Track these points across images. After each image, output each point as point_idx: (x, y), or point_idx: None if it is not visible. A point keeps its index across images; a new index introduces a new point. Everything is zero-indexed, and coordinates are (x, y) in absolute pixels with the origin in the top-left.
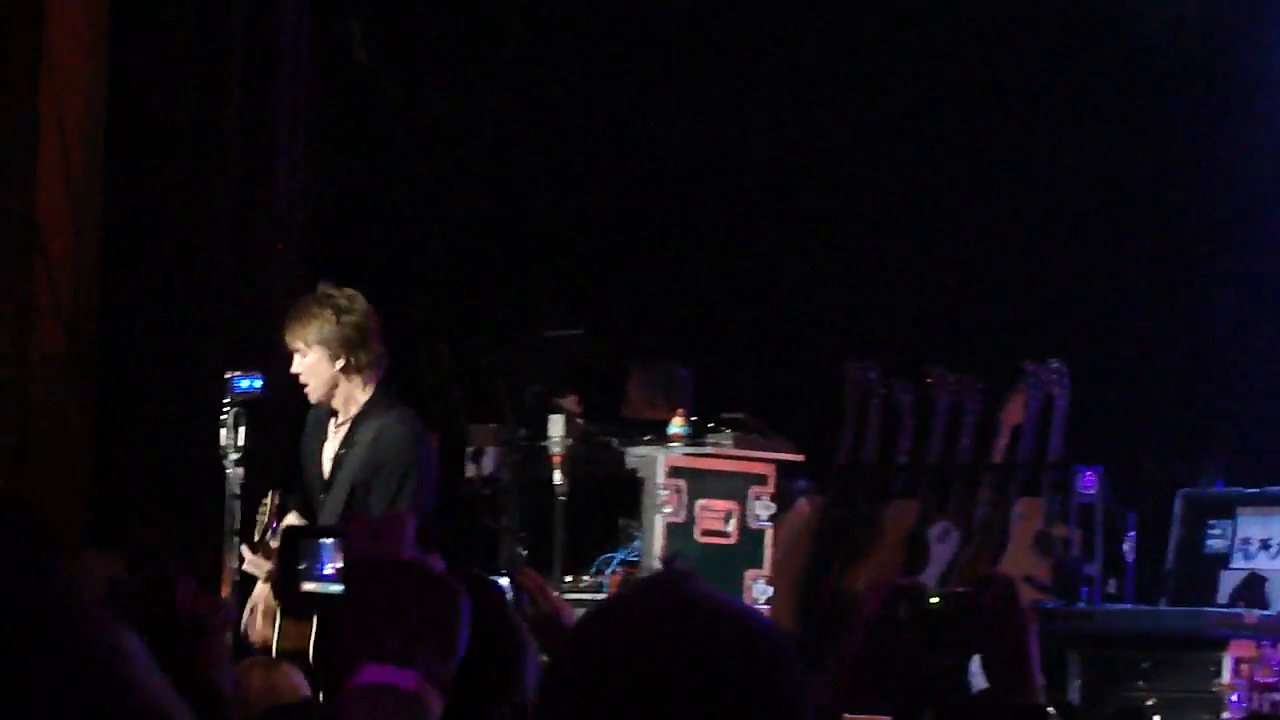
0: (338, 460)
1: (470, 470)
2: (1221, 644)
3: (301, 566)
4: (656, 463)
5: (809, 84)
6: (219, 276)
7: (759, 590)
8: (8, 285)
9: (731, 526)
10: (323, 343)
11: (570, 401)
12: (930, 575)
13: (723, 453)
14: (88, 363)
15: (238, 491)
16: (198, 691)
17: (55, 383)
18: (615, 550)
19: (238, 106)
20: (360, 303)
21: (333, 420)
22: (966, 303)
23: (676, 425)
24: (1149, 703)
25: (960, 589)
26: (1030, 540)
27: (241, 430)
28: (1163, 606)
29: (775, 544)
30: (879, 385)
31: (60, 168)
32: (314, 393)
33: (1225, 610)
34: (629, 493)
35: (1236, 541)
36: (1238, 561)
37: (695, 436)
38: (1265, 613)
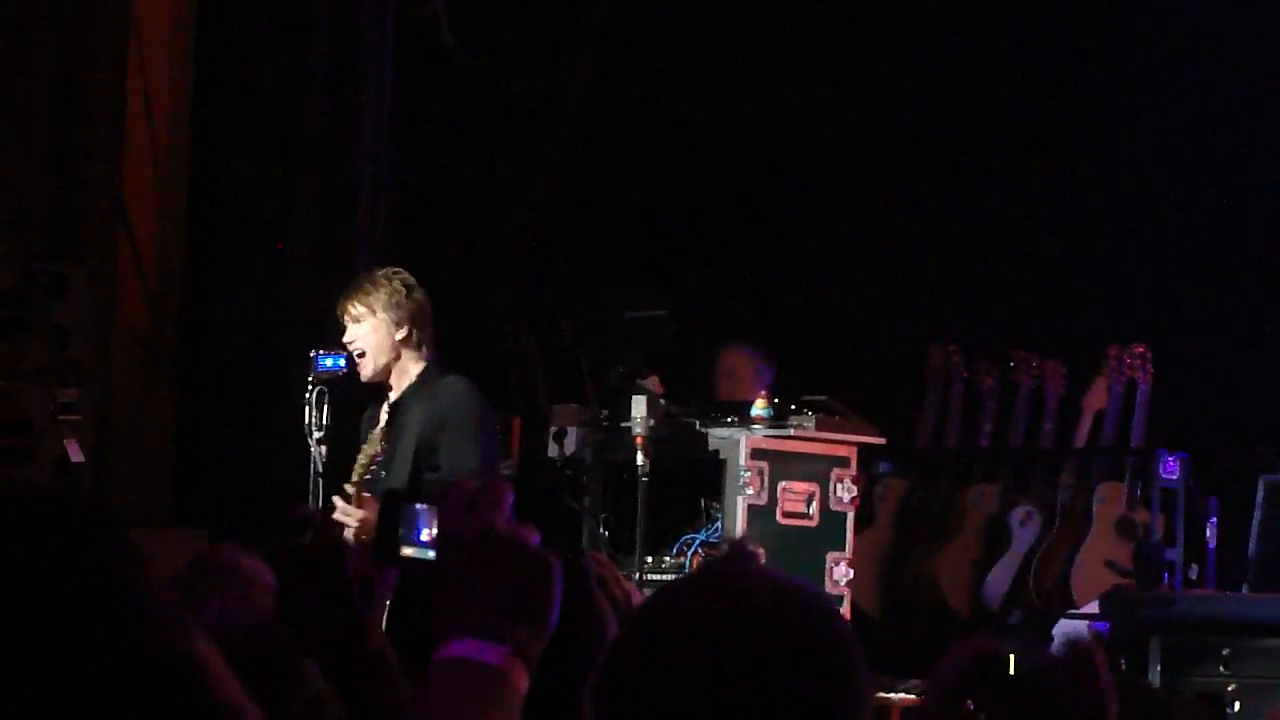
0: (391, 434)
1: (552, 451)
2: None
3: (401, 531)
4: (739, 444)
5: (896, 68)
6: (302, 256)
7: (840, 573)
8: (94, 264)
9: (813, 509)
10: (388, 309)
11: (652, 382)
12: (1011, 560)
13: (805, 435)
14: (171, 341)
15: (320, 470)
16: (368, 657)
17: (139, 361)
18: (696, 531)
19: (322, 88)
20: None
21: (385, 403)
22: (1051, 286)
23: (759, 407)
24: (1229, 689)
25: (1041, 658)
26: (1112, 525)
27: (325, 409)
28: (1244, 592)
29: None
30: (962, 368)
31: (147, 149)
32: (369, 363)
33: None
34: (711, 474)
35: None
36: None
37: (777, 418)
38: None
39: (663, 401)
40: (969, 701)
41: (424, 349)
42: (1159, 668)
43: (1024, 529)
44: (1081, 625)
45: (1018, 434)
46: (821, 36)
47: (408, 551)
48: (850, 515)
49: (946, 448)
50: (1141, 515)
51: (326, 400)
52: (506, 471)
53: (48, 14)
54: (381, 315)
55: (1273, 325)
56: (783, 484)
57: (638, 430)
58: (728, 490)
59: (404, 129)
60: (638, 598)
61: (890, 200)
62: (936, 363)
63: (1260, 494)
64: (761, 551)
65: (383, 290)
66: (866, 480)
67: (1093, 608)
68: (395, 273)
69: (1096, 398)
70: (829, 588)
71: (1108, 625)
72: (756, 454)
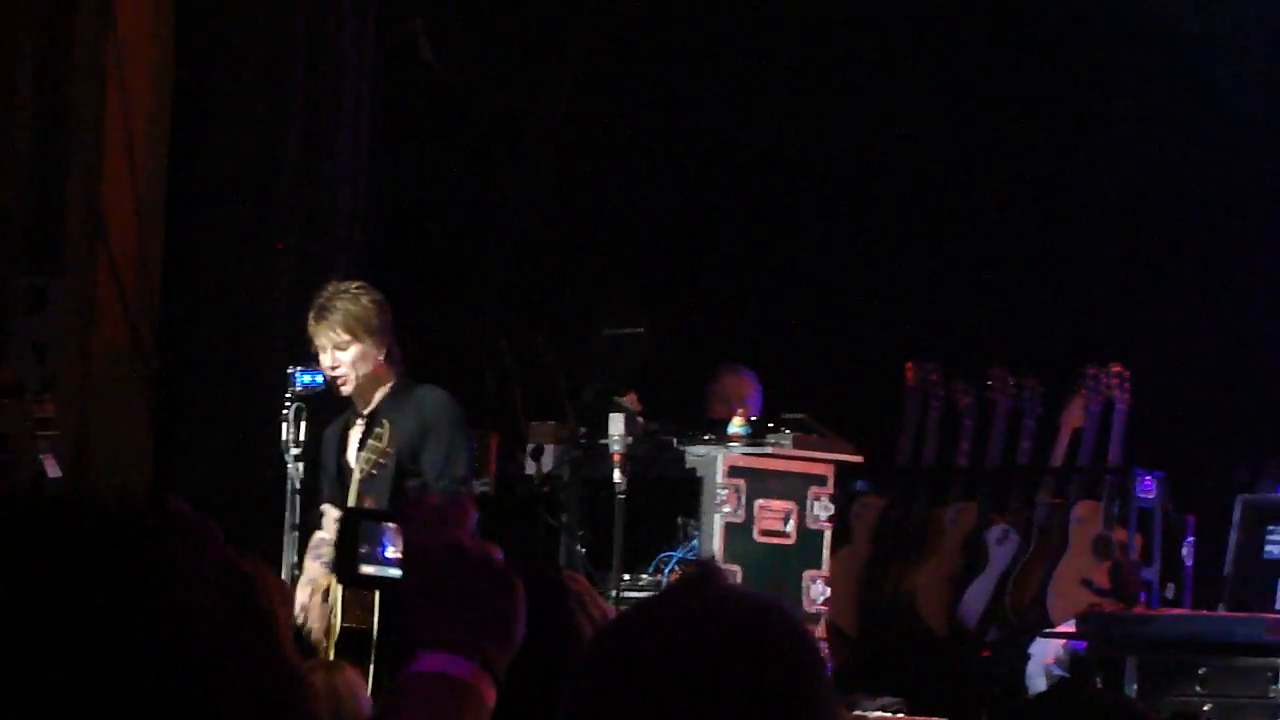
0: (375, 450)
1: (530, 468)
2: (1279, 650)
3: (365, 550)
4: (716, 462)
5: (876, 87)
6: (281, 272)
7: (817, 591)
8: (72, 279)
9: (790, 527)
10: (371, 333)
11: (630, 400)
12: (988, 579)
13: (782, 453)
14: (149, 356)
15: (298, 486)
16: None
17: (117, 376)
18: (674, 549)
19: (301, 104)
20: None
21: (355, 414)
22: (1029, 305)
23: (736, 425)
24: (1205, 708)
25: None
26: (1089, 544)
27: (303, 425)
28: (1221, 612)
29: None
30: (940, 387)
31: (125, 164)
32: (351, 384)
33: None
34: (688, 492)
35: None
36: None
37: (755, 436)
38: None
39: (640, 419)
40: None
41: (398, 360)
42: (1135, 687)
43: (1001, 547)
44: (1058, 644)
45: (995, 453)
46: (803, 55)
47: (368, 570)
48: (827, 533)
49: (924, 466)
50: (1118, 534)
51: (304, 416)
52: (484, 488)
53: (27, 30)
54: (366, 339)
55: (1249, 345)
56: (760, 502)
57: (615, 448)
58: (705, 508)
59: (384, 146)
60: (613, 615)
61: (868, 218)
62: (914, 381)
63: (1237, 513)
64: (736, 570)
65: (362, 312)
66: (844, 498)
67: (1069, 626)
68: (361, 289)
69: (1074, 417)
70: (806, 606)
71: (1084, 644)
72: (734, 472)
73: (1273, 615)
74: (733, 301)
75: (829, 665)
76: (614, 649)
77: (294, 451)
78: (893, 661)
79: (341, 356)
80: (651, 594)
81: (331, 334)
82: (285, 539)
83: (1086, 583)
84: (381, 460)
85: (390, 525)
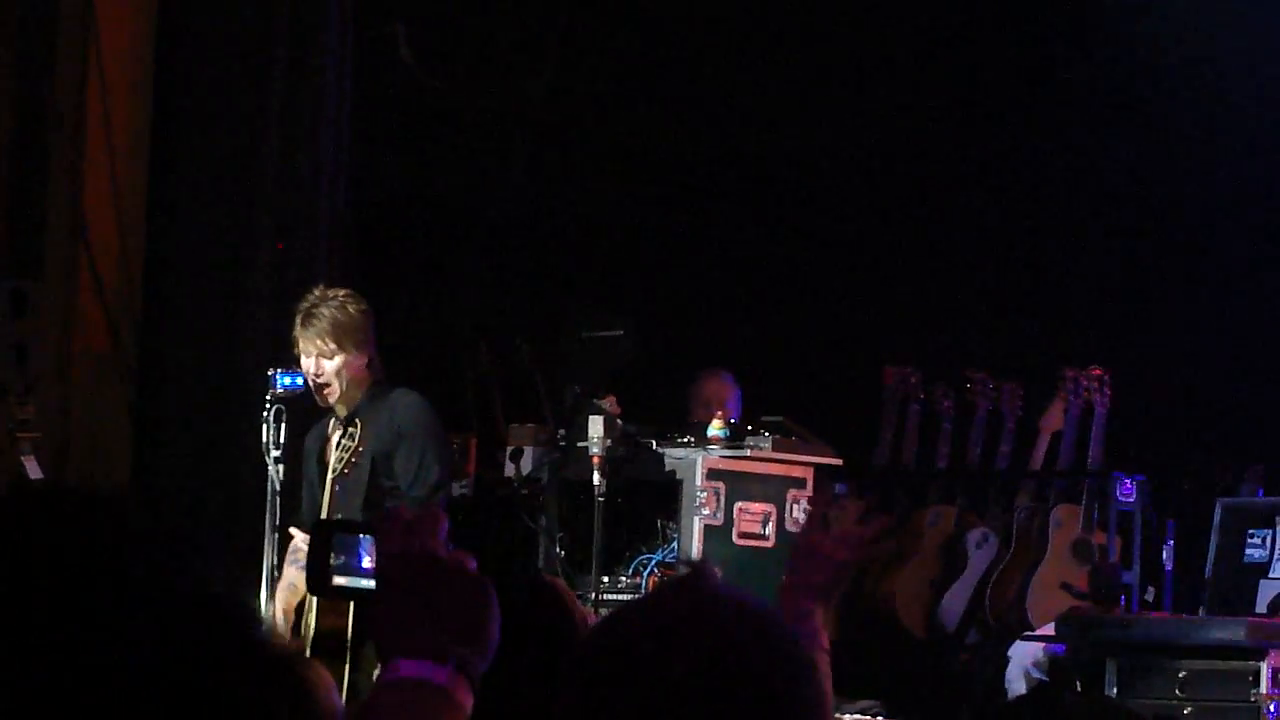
0: (347, 449)
1: (509, 470)
2: (1260, 654)
3: (339, 561)
4: (695, 465)
5: (852, 90)
6: (261, 275)
7: None
8: (53, 281)
9: (769, 530)
10: (356, 344)
11: (609, 402)
12: (967, 582)
13: (761, 455)
14: (130, 359)
15: (278, 488)
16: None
17: (97, 378)
18: (653, 552)
19: (281, 106)
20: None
21: (332, 419)
22: (1008, 309)
23: (715, 428)
24: (1186, 712)
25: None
26: (1068, 547)
27: (283, 427)
28: (1201, 616)
29: None
30: (918, 390)
31: (106, 166)
32: (336, 394)
33: (1264, 620)
34: (667, 494)
35: (1276, 551)
36: (1277, 571)
37: (734, 439)
38: None
39: (619, 422)
40: None
41: (375, 366)
42: (1115, 690)
43: (980, 550)
44: (1037, 647)
45: (974, 456)
46: (782, 59)
47: (340, 581)
48: None
49: (903, 469)
50: (1098, 537)
51: (284, 419)
52: (463, 490)
53: (7, 33)
54: (351, 349)
55: (1231, 348)
56: (739, 504)
57: (594, 450)
58: (684, 510)
59: (363, 148)
60: (592, 620)
61: (847, 222)
62: (893, 384)
63: (1217, 517)
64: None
65: (348, 321)
66: (823, 501)
67: (1049, 630)
68: (348, 297)
69: (1053, 420)
70: None
71: (1064, 647)
72: (713, 474)
73: (1253, 618)
74: (712, 305)
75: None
76: (605, 650)
77: (274, 453)
78: (872, 664)
79: (326, 365)
80: (640, 595)
81: (318, 342)
82: (265, 541)
83: (1066, 586)
84: (354, 459)
85: (366, 537)
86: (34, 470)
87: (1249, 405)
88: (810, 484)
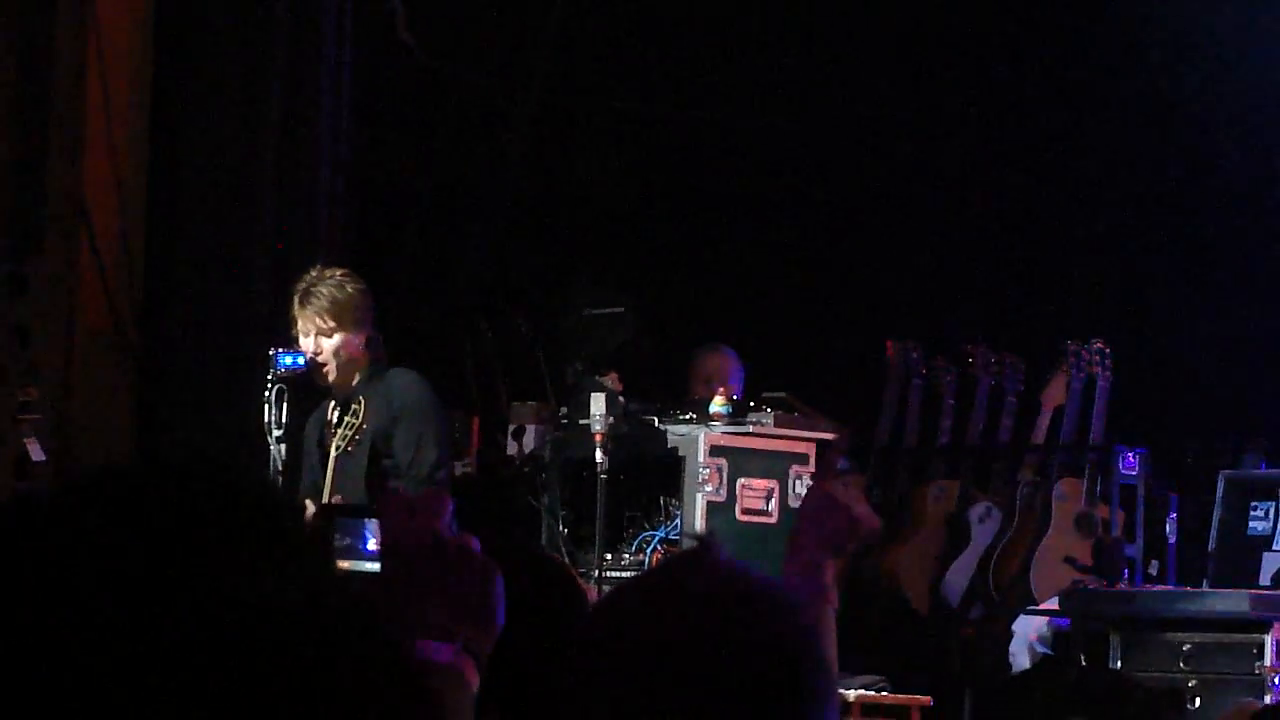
0: (351, 426)
1: (511, 448)
2: (1264, 626)
3: (344, 544)
4: (697, 441)
5: (852, 65)
6: (262, 254)
7: None
8: (54, 262)
9: (772, 506)
10: (356, 323)
11: (611, 379)
12: (970, 557)
13: (763, 432)
14: (132, 340)
15: (280, 468)
16: None
17: (99, 359)
18: (656, 529)
19: (281, 85)
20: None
21: (331, 401)
22: (1009, 282)
23: (717, 404)
24: (1190, 684)
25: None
26: (1072, 521)
27: (285, 407)
28: (1205, 588)
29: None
30: (920, 365)
31: (105, 147)
32: (334, 372)
33: (1268, 592)
34: (670, 471)
35: (1279, 523)
36: None
37: (736, 415)
38: None
39: (621, 399)
40: None
41: (374, 345)
42: (1119, 664)
43: (983, 525)
44: (1041, 621)
45: (976, 430)
46: (781, 32)
47: (344, 565)
48: None
49: (905, 444)
50: (1101, 511)
51: (286, 398)
52: (465, 469)
53: (6, 13)
54: (350, 327)
55: (1232, 320)
56: (742, 481)
57: (597, 427)
58: (687, 487)
59: (363, 127)
60: (593, 598)
61: (849, 196)
62: (895, 359)
63: (1220, 489)
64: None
65: (346, 300)
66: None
67: (1053, 604)
68: (346, 276)
69: (1055, 393)
70: None
71: (1068, 621)
72: (715, 451)
73: (1256, 591)
74: (713, 280)
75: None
76: (610, 625)
77: (276, 433)
78: (875, 639)
79: (325, 344)
80: (647, 570)
81: (317, 320)
82: None
83: (1069, 560)
84: (357, 437)
85: (371, 520)
86: (36, 453)
87: (1251, 377)
88: (812, 460)
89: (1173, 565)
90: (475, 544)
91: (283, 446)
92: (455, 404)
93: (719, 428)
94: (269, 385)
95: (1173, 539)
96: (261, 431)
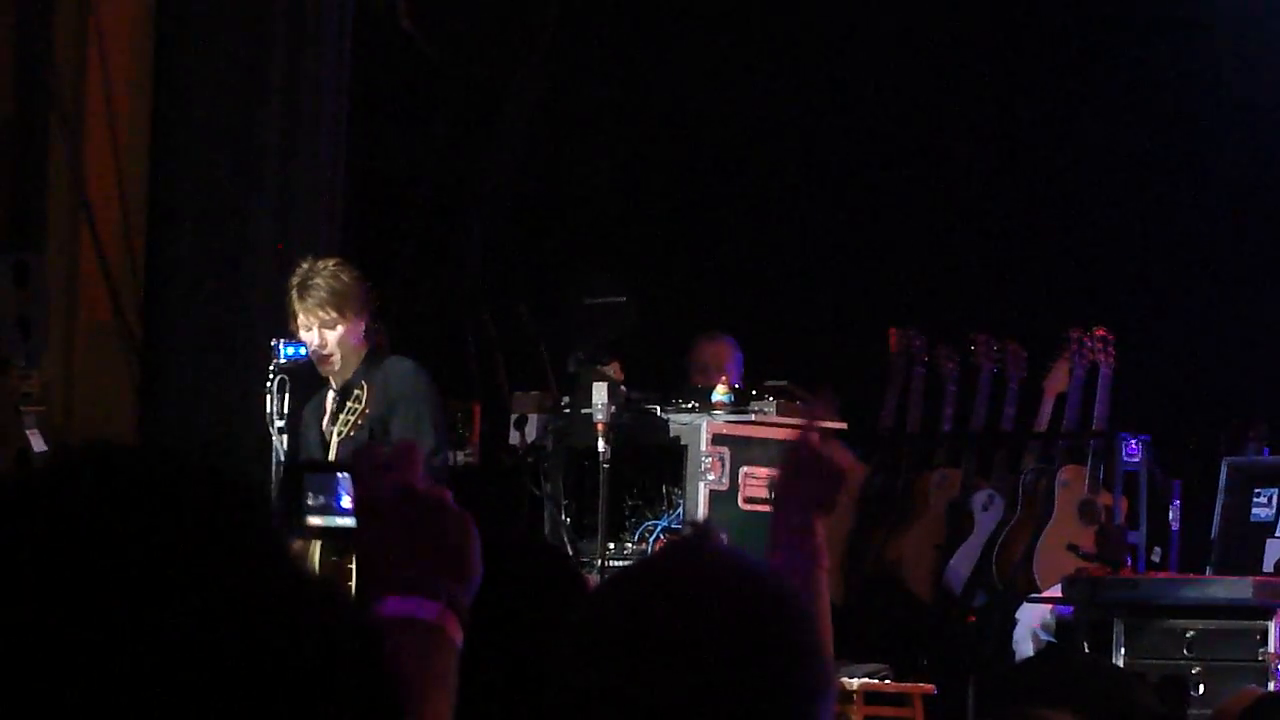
0: (354, 411)
1: (514, 438)
2: (1267, 613)
3: (319, 501)
4: (700, 430)
5: (851, 51)
6: (264, 245)
7: None
8: (56, 253)
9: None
10: (356, 313)
11: (613, 369)
12: (973, 544)
13: (766, 420)
14: (133, 330)
15: (282, 458)
16: None
17: (101, 350)
18: (658, 518)
19: (281, 75)
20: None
21: (330, 391)
22: (1012, 269)
23: (720, 393)
24: (1194, 671)
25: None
26: (1074, 508)
27: (286, 397)
28: (1208, 575)
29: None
30: (923, 352)
31: (107, 137)
32: (338, 362)
33: (1271, 579)
34: (672, 460)
35: None
36: None
37: (738, 404)
38: None
39: (624, 388)
40: None
41: (371, 334)
42: (1122, 651)
43: (986, 513)
44: (1044, 609)
45: (979, 418)
46: (780, 21)
47: (315, 521)
48: None
49: (908, 432)
50: (1104, 498)
51: (288, 389)
52: (468, 459)
53: (6, 7)
54: (351, 316)
55: (1234, 307)
56: (744, 469)
57: (599, 417)
58: (689, 476)
59: (364, 117)
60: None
61: (850, 183)
62: (897, 347)
63: (1223, 476)
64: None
65: (344, 289)
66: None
67: (1056, 591)
68: (339, 265)
69: (1058, 381)
70: None
71: (1071, 609)
72: (718, 439)
73: (1260, 578)
74: (715, 269)
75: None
76: (607, 614)
77: (278, 423)
78: (878, 628)
79: (329, 335)
80: (642, 558)
81: (320, 312)
82: None
83: (1072, 547)
84: (359, 422)
85: (343, 475)
86: (38, 444)
87: (1254, 364)
88: None
89: (1176, 552)
90: (449, 496)
91: (285, 437)
92: (457, 394)
93: (721, 416)
94: (270, 376)
95: (1176, 526)
96: (263, 422)
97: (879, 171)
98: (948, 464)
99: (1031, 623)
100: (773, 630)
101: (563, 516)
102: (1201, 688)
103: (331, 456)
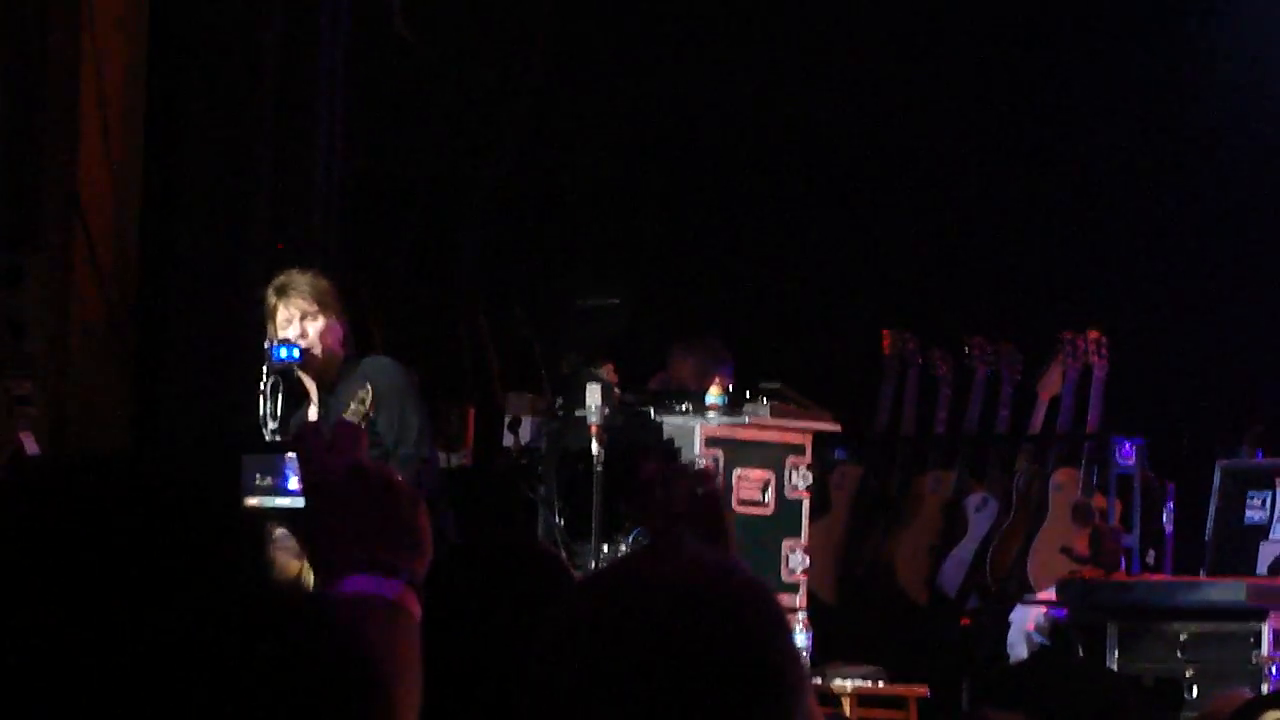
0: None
1: (508, 440)
2: (1261, 615)
3: (265, 482)
4: (693, 433)
5: (848, 53)
6: (258, 247)
7: (796, 560)
8: (49, 255)
9: (768, 497)
10: (336, 311)
11: (606, 371)
12: (967, 547)
13: (759, 423)
14: (127, 332)
15: None
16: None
17: (94, 352)
18: None
19: (276, 76)
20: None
21: (309, 406)
22: (1005, 272)
23: (713, 395)
24: (1188, 674)
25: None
26: (1068, 511)
27: (279, 399)
28: (1201, 578)
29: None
30: (917, 355)
31: (100, 138)
32: (320, 356)
33: (1265, 582)
34: (666, 463)
35: (1276, 513)
36: (1277, 533)
37: (732, 406)
38: None
39: (617, 390)
40: None
41: (348, 341)
42: (1116, 654)
43: (980, 515)
44: (1038, 611)
45: (973, 420)
46: (775, 24)
47: (255, 501)
48: (805, 503)
49: (902, 434)
50: (1098, 501)
51: (281, 391)
52: (462, 460)
53: None
54: (331, 313)
55: (1229, 310)
56: (738, 472)
57: (593, 419)
58: None
59: (358, 118)
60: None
61: (844, 186)
62: (891, 349)
63: (1217, 479)
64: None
65: (326, 285)
66: (821, 467)
67: (1050, 594)
68: (315, 271)
69: (1052, 383)
70: (785, 575)
71: (1065, 611)
72: (711, 442)
73: (1254, 580)
74: (708, 271)
75: (809, 635)
76: (581, 617)
77: (271, 426)
78: (872, 630)
79: (310, 327)
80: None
81: (301, 302)
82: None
83: (1066, 550)
84: (363, 424)
85: (289, 456)
86: (31, 447)
87: (1248, 367)
88: (809, 450)
89: (1169, 555)
90: (397, 475)
91: (278, 439)
92: (451, 396)
93: (715, 419)
94: (264, 378)
95: (1169, 529)
96: (257, 424)
97: (874, 173)
98: (942, 466)
99: (1025, 625)
100: (744, 633)
101: (557, 519)
102: (1195, 690)
103: None
